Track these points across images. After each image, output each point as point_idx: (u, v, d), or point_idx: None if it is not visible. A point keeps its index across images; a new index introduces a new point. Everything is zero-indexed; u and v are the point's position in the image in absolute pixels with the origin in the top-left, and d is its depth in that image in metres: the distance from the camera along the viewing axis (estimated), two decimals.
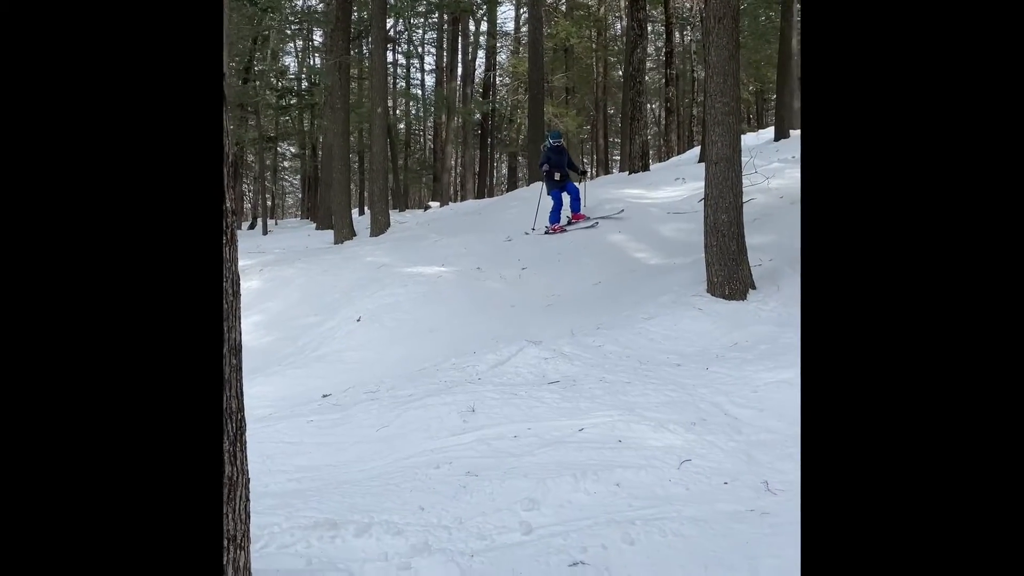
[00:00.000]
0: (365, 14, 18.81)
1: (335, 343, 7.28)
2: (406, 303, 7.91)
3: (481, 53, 26.91)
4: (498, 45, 28.27)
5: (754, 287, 6.58)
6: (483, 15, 24.49)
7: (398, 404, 4.73)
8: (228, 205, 1.82)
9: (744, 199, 6.73)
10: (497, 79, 29.12)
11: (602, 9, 26.09)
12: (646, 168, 14.56)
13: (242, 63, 20.66)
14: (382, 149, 13.26)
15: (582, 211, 10.37)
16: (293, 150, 30.67)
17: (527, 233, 10.23)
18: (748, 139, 15.39)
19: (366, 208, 23.43)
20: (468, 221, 11.98)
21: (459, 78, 24.87)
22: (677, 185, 11.92)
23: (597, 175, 15.29)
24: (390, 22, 20.97)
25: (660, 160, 21.08)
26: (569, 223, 10.23)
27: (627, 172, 15.06)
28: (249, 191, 27.66)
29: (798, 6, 15.94)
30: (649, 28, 19.00)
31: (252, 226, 23.25)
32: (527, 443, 3.96)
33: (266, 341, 7.78)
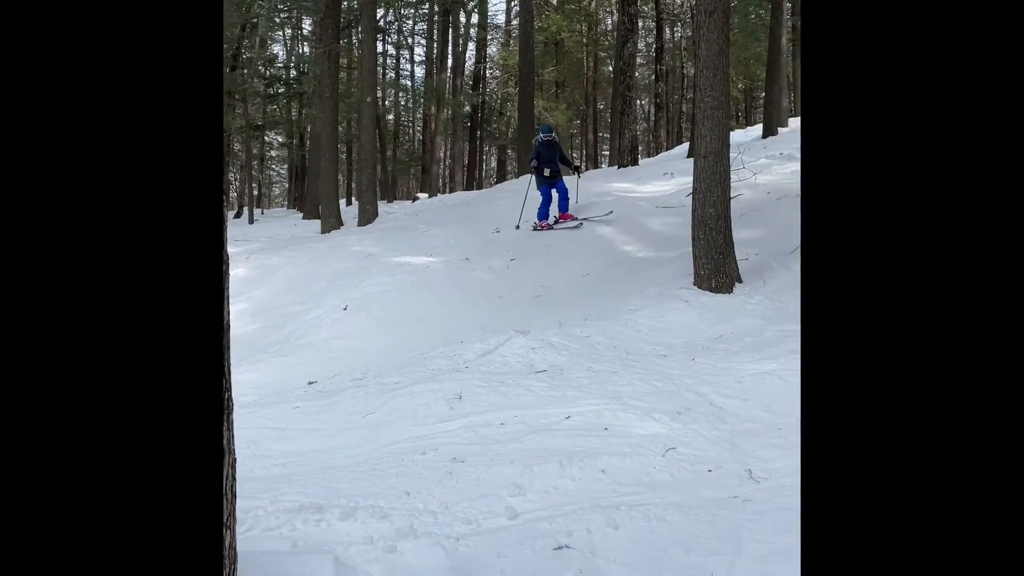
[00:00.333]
0: (355, 3, 18.72)
1: (321, 331, 7.26)
2: (393, 292, 7.91)
3: (471, 45, 26.85)
4: (489, 37, 28.20)
5: (740, 281, 6.63)
6: (474, 7, 24.41)
7: (385, 391, 4.73)
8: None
9: (732, 194, 6.76)
10: (487, 72, 29.08)
11: (593, 3, 26.08)
12: (635, 163, 14.59)
13: (230, 50, 20.51)
14: (371, 139, 13.21)
15: (570, 210, 10.20)
16: (280, 139, 30.50)
17: (516, 228, 10.13)
18: (736, 135, 15.43)
19: (353, 198, 23.36)
20: (457, 212, 11.97)
21: (449, 70, 24.80)
22: (665, 180, 11.95)
23: (587, 169, 15.28)
24: (380, 12, 20.88)
25: (649, 155, 21.14)
26: (556, 222, 10.07)
27: (616, 166, 15.09)
28: (235, 180, 27.50)
29: (788, 4, 16.01)
30: (640, 24, 19.02)
31: (238, 215, 23.13)
32: (514, 430, 3.97)
33: (252, 329, 7.75)
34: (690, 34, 23.38)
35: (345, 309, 7.62)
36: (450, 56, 24.77)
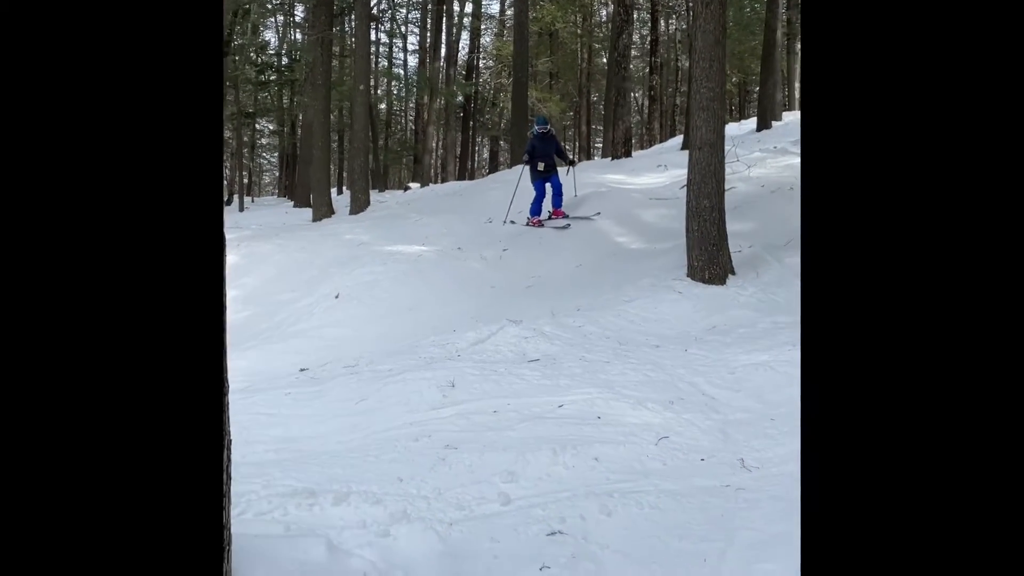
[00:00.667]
0: None
1: (313, 319, 7.24)
2: (385, 281, 7.88)
3: (465, 35, 26.79)
4: (482, 27, 28.11)
5: (734, 273, 6.64)
6: None
7: (377, 378, 4.72)
8: None
9: (726, 187, 6.77)
10: (480, 62, 28.99)
11: None
12: (628, 154, 14.59)
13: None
14: (364, 127, 13.15)
15: (564, 205, 9.92)
16: (271, 127, 30.33)
17: (504, 224, 9.92)
18: (731, 129, 15.44)
19: (344, 187, 23.27)
20: (449, 202, 11.94)
21: (442, 59, 24.70)
22: (659, 172, 11.96)
23: (580, 161, 15.28)
24: (374, 0, 20.76)
25: (642, 148, 21.12)
26: (549, 218, 9.81)
27: (609, 158, 15.09)
28: (226, 167, 27.35)
29: None
30: (635, 15, 18.99)
31: (228, 202, 22.99)
32: (507, 418, 3.97)
33: (242, 316, 7.71)
34: (685, 27, 23.37)
35: (337, 297, 7.60)
36: (444, 45, 24.68)
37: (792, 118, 16.70)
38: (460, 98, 25.87)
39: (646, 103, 24.96)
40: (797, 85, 22.24)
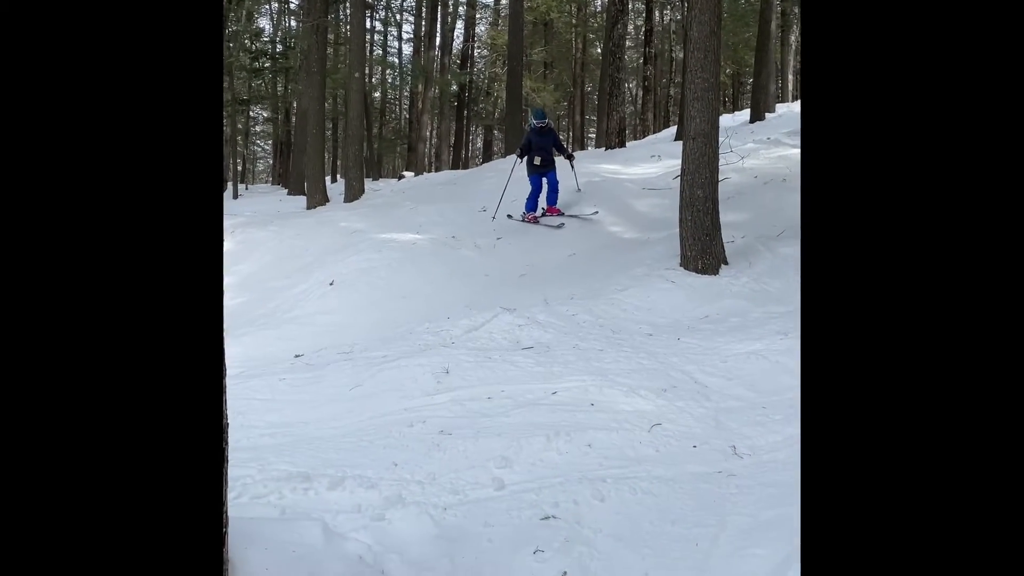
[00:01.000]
0: None
1: (307, 306, 7.24)
2: (380, 269, 7.88)
3: (460, 24, 26.64)
4: (477, 16, 27.98)
5: (726, 263, 6.67)
6: None
7: (372, 365, 4.74)
8: None
9: (719, 178, 6.79)
10: (475, 51, 28.86)
11: None
12: (622, 144, 14.58)
13: None
14: (359, 115, 13.10)
15: (558, 204, 9.56)
16: (265, 114, 30.17)
17: (493, 219, 9.62)
18: (724, 120, 15.45)
19: (338, 176, 23.20)
20: (443, 191, 11.93)
21: (437, 48, 24.61)
22: (653, 162, 11.96)
23: (574, 151, 15.25)
24: None
25: (636, 138, 21.11)
26: (543, 214, 9.51)
27: (603, 148, 15.08)
28: None
29: None
30: (630, 6, 18.94)
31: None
32: (501, 404, 3.99)
33: (237, 303, 7.71)
34: (680, 18, 23.33)
35: (331, 284, 7.60)
36: (438, 34, 24.59)
37: (785, 109, 16.72)
38: (455, 87, 25.79)
39: (640, 94, 24.94)
40: (791, 77, 22.25)
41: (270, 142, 33.06)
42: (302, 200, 13.93)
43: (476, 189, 11.24)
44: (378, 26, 27.08)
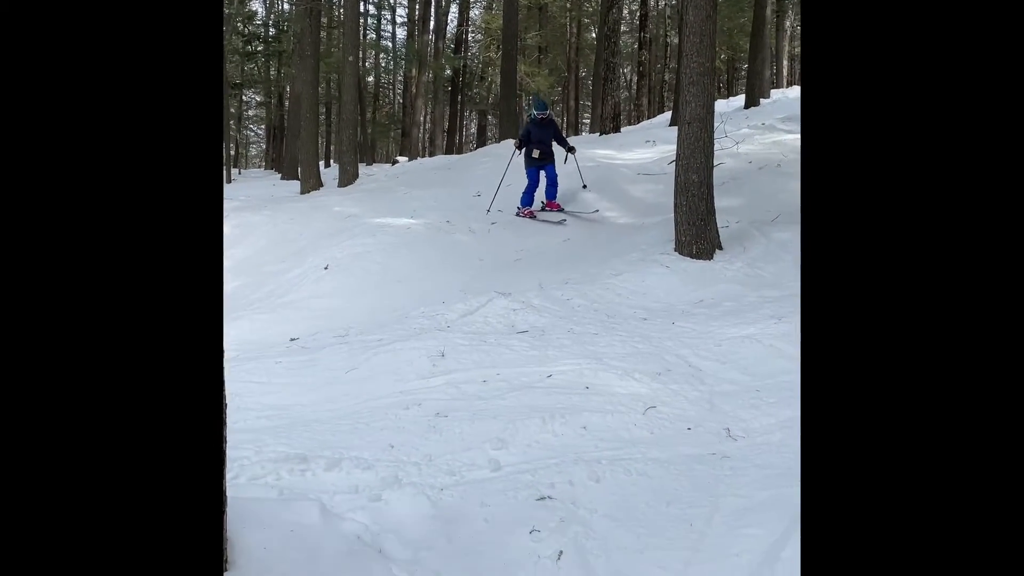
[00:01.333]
0: None
1: (302, 290, 7.23)
2: (375, 253, 7.87)
3: (454, 7, 26.48)
4: (471, 0, 27.83)
5: (721, 248, 6.69)
6: None
7: (367, 348, 4.75)
8: None
9: (714, 163, 6.79)
10: (469, 35, 28.73)
11: None
12: (617, 130, 14.55)
13: None
14: (352, 99, 13.03)
15: (557, 198, 9.20)
16: (258, 98, 30.00)
17: (488, 211, 9.25)
18: (719, 105, 15.44)
19: (332, 160, 23.09)
20: (437, 176, 11.89)
21: (431, 32, 24.45)
22: (647, 147, 11.95)
23: (568, 136, 15.22)
24: None
25: (630, 123, 21.07)
26: (542, 209, 9.17)
27: (598, 133, 15.05)
28: None
29: None
30: None
31: None
32: (496, 387, 4.01)
33: (232, 287, 7.69)
34: (675, 2, 23.24)
35: (326, 269, 7.59)
36: (432, 18, 24.41)
37: (780, 95, 16.71)
38: (448, 72, 25.65)
39: (635, 79, 24.88)
40: (786, 62, 22.23)
41: (263, 127, 32.89)
42: (296, 185, 13.89)
43: (470, 174, 11.22)
44: (371, 9, 26.89)
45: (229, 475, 2.92)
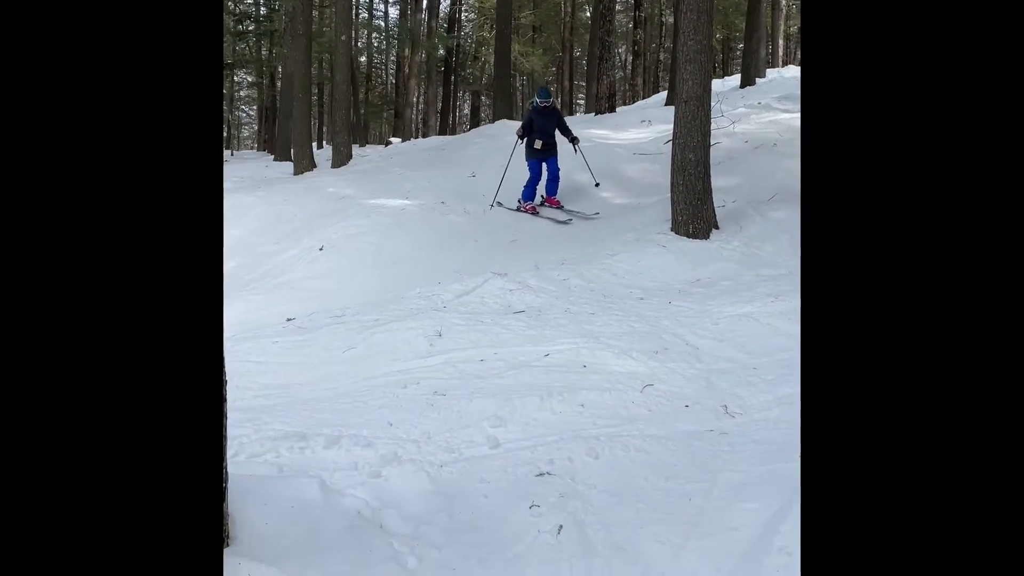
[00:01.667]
0: None
1: (297, 271, 7.21)
2: (369, 234, 7.85)
3: None
4: None
5: (717, 227, 6.68)
6: None
7: (364, 328, 4.74)
8: None
9: (711, 142, 6.77)
10: (463, 14, 28.48)
11: None
12: (612, 110, 14.50)
13: None
14: (345, 78, 12.94)
15: (557, 195, 8.69)
16: (250, 79, 29.71)
17: (491, 206, 8.70)
18: (715, 85, 15.29)
19: (325, 142, 22.96)
20: (431, 156, 11.83)
21: (424, 11, 24.25)
22: (643, 127, 11.91)
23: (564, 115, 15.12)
24: None
25: (625, 103, 20.99)
26: (542, 204, 8.65)
27: (593, 113, 14.99)
28: None
29: None
30: None
31: None
32: (493, 366, 4.02)
33: (227, 268, 7.61)
34: None
35: (321, 250, 7.57)
36: None
37: (776, 74, 16.64)
38: (442, 51, 25.48)
39: (630, 58, 24.72)
40: (781, 42, 22.12)
41: (255, 107, 32.61)
42: (289, 166, 13.81)
43: (464, 155, 11.16)
44: None
45: (229, 453, 2.92)
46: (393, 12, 28.46)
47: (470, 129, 23.60)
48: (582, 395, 3.57)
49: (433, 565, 2.31)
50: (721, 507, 2.55)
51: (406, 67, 23.87)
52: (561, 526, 2.50)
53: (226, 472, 2.18)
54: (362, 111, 24.69)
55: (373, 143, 24.87)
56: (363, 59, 28.37)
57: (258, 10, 24.43)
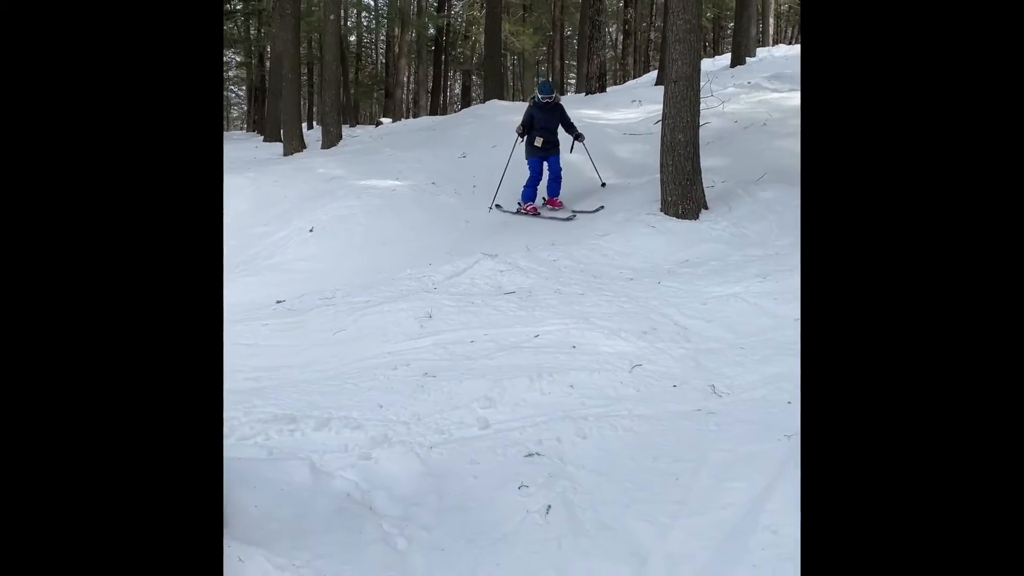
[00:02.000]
0: None
1: (288, 252, 7.20)
2: (360, 215, 7.82)
3: None
4: None
5: (706, 207, 6.69)
6: None
7: (354, 310, 4.75)
8: None
9: (700, 122, 6.76)
10: None
11: None
12: (603, 89, 14.44)
13: None
14: (335, 58, 12.83)
15: (560, 196, 8.06)
16: (238, 59, 29.42)
17: (490, 210, 8.12)
18: (705, 64, 15.28)
19: (315, 122, 22.80)
20: (422, 137, 11.77)
21: None
22: (633, 107, 11.88)
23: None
24: None
25: (616, 83, 20.89)
26: (544, 205, 8.05)
27: (584, 93, 14.93)
28: None
29: None
30: None
31: None
32: (484, 347, 4.03)
33: None
34: None
35: (311, 231, 7.54)
36: None
37: (766, 54, 16.60)
38: (432, 30, 25.26)
39: (620, 38, 24.59)
40: (772, 20, 22.03)
41: (244, 88, 32.32)
42: (278, 147, 13.72)
43: (455, 135, 11.11)
44: None
45: None
46: None
47: (461, 109, 23.47)
48: (571, 376, 3.59)
49: (423, 546, 2.33)
50: (708, 486, 2.58)
51: (396, 47, 23.70)
52: (549, 506, 2.52)
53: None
54: (352, 91, 24.53)
55: (363, 123, 24.72)
56: (353, 38, 28.12)
57: None
